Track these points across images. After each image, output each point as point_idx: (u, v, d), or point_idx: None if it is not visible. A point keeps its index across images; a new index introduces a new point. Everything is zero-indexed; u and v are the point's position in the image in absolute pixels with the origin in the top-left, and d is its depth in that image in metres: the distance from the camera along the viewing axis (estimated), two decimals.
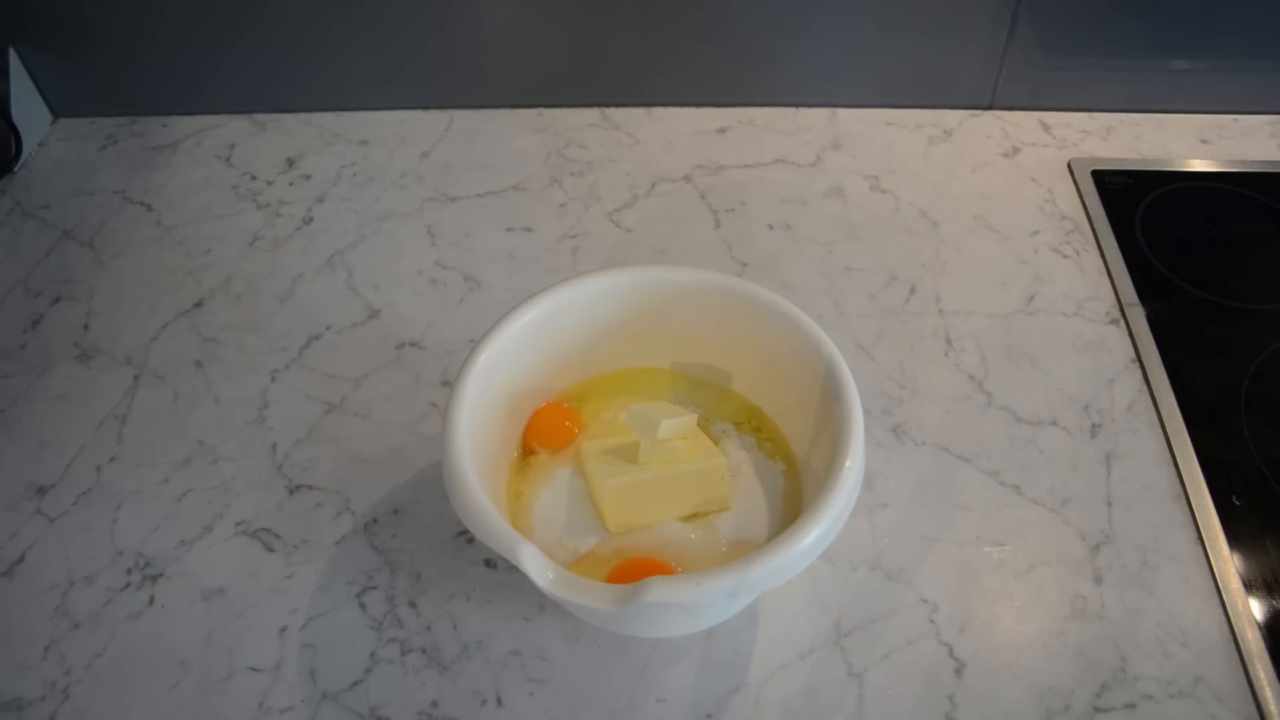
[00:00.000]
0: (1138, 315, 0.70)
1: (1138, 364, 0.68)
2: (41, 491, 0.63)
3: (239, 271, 0.77)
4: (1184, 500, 0.60)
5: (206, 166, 0.86)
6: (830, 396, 0.50)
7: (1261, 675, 0.52)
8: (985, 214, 0.80)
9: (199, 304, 0.74)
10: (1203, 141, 0.87)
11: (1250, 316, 0.71)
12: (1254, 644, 0.53)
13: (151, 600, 0.57)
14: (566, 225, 0.80)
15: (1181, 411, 0.64)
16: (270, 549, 0.59)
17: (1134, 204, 0.80)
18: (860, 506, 0.60)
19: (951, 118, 0.89)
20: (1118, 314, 0.71)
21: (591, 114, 0.90)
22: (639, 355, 0.59)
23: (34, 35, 0.86)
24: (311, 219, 0.81)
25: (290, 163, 0.86)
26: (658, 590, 0.42)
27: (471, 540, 0.59)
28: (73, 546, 0.60)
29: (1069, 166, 0.84)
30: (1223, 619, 0.55)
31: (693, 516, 0.53)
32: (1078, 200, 0.81)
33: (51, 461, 0.64)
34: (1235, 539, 0.58)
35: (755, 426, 0.58)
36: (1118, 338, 0.70)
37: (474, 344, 0.52)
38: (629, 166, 0.85)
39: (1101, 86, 0.88)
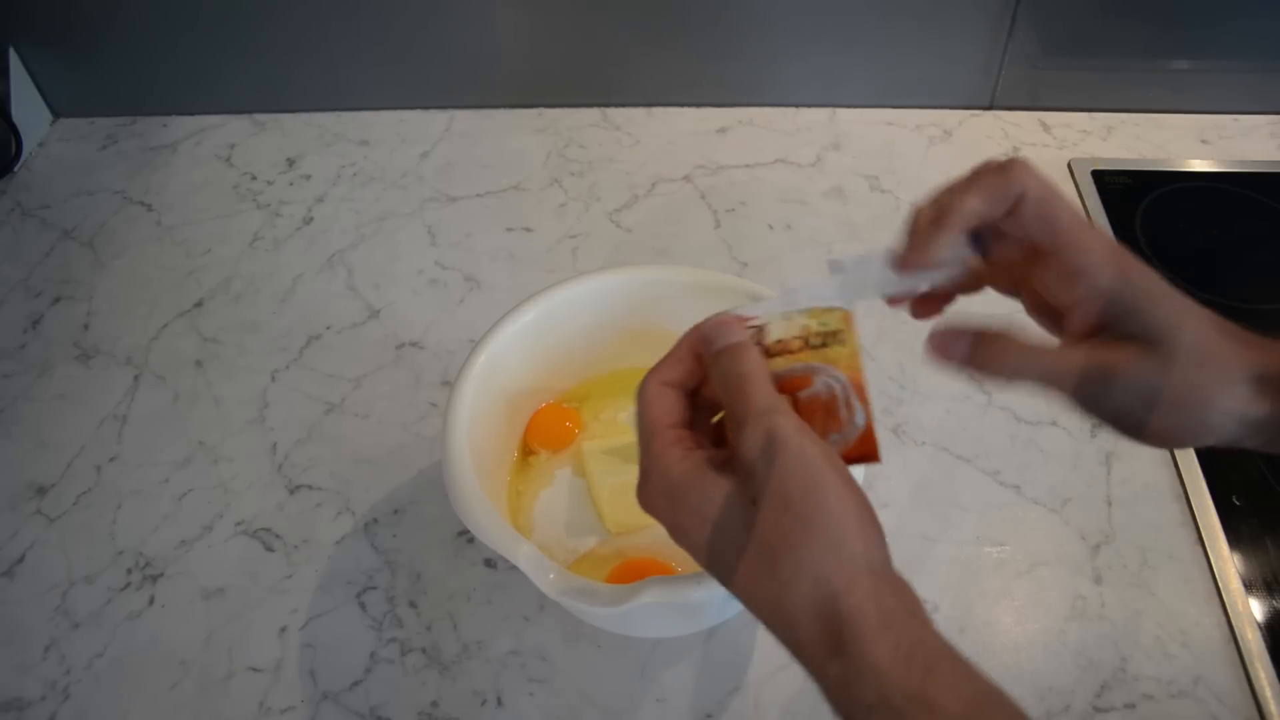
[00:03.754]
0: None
1: None
2: (41, 491, 0.63)
3: (239, 271, 0.77)
4: (1184, 500, 0.60)
5: (206, 166, 0.86)
6: None
7: (1261, 675, 0.52)
8: None
9: (199, 304, 0.74)
10: (1203, 141, 0.87)
11: (1250, 316, 0.71)
12: (1254, 644, 0.53)
13: (151, 600, 0.57)
14: (566, 225, 0.80)
15: None
16: (270, 549, 0.59)
17: (1134, 204, 0.80)
18: None
19: (951, 118, 0.89)
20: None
21: (591, 114, 0.90)
22: (639, 355, 0.59)
23: (34, 35, 0.86)
24: (311, 219, 0.81)
25: (290, 163, 0.86)
26: (657, 590, 0.42)
27: (471, 540, 0.59)
28: (73, 546, 0.60)
29: (1069, 166, 0.84)
30: (1223, 619, 0.55)
31: None
32: (1078, 200, 0.81)
33: (51, 461, 0.64)
34: (1235, 539, 0.58)
35: None
36: None
37: (474, 344, 0.52)
38: (629, 166, 0.85)
39: (1101, 86, 0.88)
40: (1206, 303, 0.38)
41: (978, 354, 0.38)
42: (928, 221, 0.37)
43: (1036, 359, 0.37)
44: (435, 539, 0.59)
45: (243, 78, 0.89)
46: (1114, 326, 0.36)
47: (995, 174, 0.37)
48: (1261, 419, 0.36)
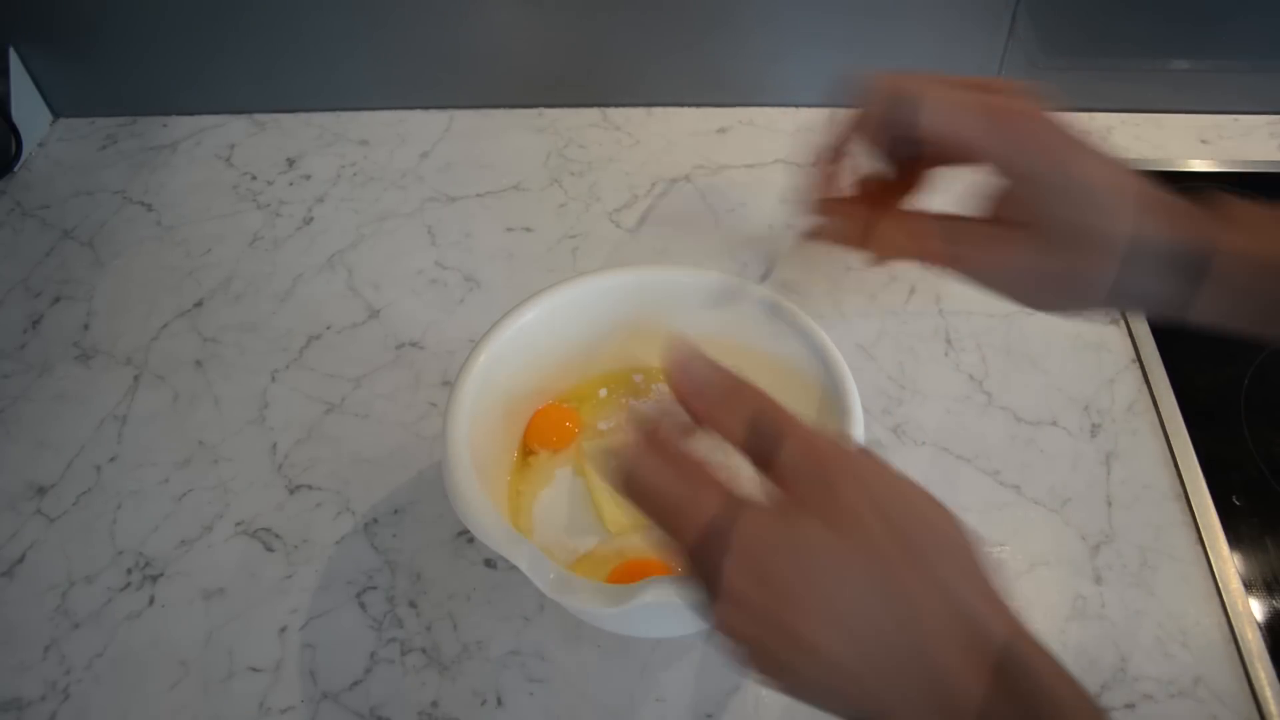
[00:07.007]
0: (1138, 315, 0.70)
1: (1138, 364, 0.68)
2: (41, 491, 0.63)
3: (239, 271, 0.77)
4: (1184, 500, 0.60)
5: (206, 166, 0.86)
6: (830, 397, 0.50)
7: (1261, 675, 0.52)
8: None
9: (199, 304, 0.74)
10: (1203, 141, 0.86)
11: None
12: (1254, 644, 0.53)
13: (151, 600, 0.57)
14: (566, 225, 0.80)
15: (1181, 411, 0.64)
16: (270, 549, 0.59)
17: None
18: None
19: None
20: (1118, 314, 0.71)
21: (591, 114, 0.90)
22: (639, 355, 0.59)
23: (34, 35, 0.86)
24: (311, 219, 0.81)
25: (290, 163, 0.86)
26: (657, 590, 0.42)
27: (471, 540, 0.59)
28: (73, 546, 0.60)
29: None
30: (1223, 619, 0.55)
31: None
32: None
33: (51, 461, 0.64)
34: (1235, 539, 0.58)
35: None
36: (1118, 338, 0.70)
37: (474, 344, 0.52)
38: (629, 166, 0.85)
39: (1101, 86, 0.88)
40: None
41: (947, 254, 0.42)
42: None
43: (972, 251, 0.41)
44: (435, 539, 0.59)
45: (243, 78, 0.89)
46: (1014, 211, 0.39)
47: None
48: (1156, 297, 0.38)
